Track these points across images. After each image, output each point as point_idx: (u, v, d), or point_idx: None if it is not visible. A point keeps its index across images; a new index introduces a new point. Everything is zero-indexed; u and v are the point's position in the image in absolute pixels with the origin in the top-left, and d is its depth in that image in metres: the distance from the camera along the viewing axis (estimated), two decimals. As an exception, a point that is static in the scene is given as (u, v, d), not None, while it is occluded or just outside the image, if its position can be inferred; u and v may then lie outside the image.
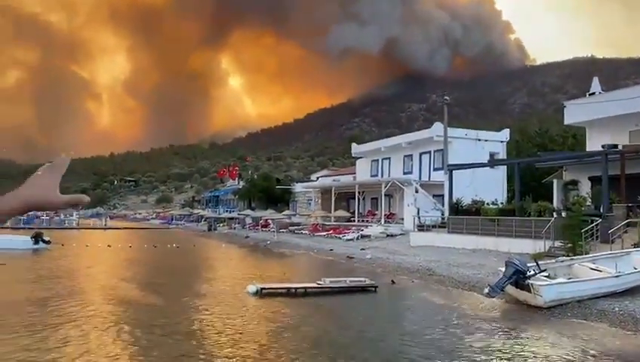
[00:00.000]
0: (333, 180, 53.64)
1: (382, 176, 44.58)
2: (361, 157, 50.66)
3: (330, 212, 45.11)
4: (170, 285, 18.70)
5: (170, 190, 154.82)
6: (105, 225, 72.60)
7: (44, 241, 32.46)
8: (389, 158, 45.51)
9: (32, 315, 12.69)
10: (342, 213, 44.61)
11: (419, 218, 32.72)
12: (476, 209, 27.31)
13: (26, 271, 22.90)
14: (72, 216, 76.43)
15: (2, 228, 27.92)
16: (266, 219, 52.03)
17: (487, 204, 27.72)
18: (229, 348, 9.79)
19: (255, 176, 74.44)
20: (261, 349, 9.82)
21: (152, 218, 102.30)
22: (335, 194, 45.96)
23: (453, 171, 30.44)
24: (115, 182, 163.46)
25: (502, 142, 40.83)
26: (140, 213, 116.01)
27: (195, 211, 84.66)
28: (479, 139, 39.57)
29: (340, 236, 36.87)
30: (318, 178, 63.45)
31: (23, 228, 46.56)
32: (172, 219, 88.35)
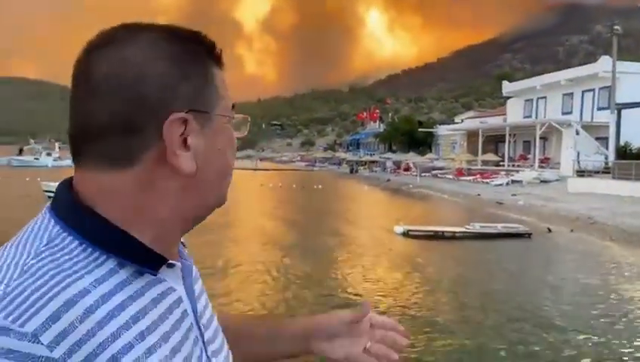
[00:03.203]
0: (481, 122, 51.08)
1: (537, 117, 41.41)
2: (512, 97, 47.40)
3: (477, 156, 43.28)
4: (321, 221, 19.57)
5: (312, 134, 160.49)
6: (255, 166, 77.79)
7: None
8: (545, 97, 41.93)
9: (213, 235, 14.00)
10: (490, 156, 42.57)
11: (579, 163, 30.13)
12: (649, 153, 24.48)
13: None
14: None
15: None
16: (408, 163, 51.59)
17: (664, 147, 24.64)
18: (380, 285, 10.04)
19: (396, 119, 73.68)
20: (414, 287, 9.92)
21: (297, 160, 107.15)
22: (482, 136, 43.84)
23: (622, 111, 27.34)
24: (263, 126, 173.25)
25: (684, 76, 35.40)
26: (285, 156, 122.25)
27: (337, 154, 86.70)
28: (655, 74, 34.71)
29: (488, 181, 35.32)
30: (463, 120, 60.96)
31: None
32: (315, 162, 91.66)
